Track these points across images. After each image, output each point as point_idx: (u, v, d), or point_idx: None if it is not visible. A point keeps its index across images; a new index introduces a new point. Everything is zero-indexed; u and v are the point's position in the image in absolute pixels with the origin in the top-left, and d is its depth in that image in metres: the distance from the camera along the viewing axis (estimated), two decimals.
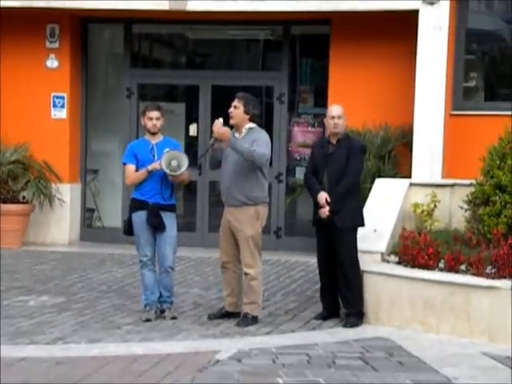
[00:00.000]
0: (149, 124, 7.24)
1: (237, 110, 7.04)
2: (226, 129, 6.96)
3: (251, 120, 7.06)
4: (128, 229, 7.28)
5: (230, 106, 7.09)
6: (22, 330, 6.77)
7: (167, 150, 7.09)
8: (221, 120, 7.02)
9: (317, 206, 7.13)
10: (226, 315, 7.20)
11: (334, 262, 7.14)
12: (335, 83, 10.89)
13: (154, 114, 7.22)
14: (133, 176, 7.22)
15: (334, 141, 7.23)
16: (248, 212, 7.00)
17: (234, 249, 7.11)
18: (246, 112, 7.03)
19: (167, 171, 7.04)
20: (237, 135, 7.09)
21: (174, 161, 7.04)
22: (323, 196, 7.03)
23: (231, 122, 7.09)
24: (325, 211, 7.02)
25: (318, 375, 5.58)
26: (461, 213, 7.96)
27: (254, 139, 6.96)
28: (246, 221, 6.99)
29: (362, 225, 7.21)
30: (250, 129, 7.06)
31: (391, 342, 6.56)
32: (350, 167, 7.06)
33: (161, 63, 13.08)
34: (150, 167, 7.10)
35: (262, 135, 7.08)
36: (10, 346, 6.23)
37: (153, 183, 7.15)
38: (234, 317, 7.14)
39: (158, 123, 7.24)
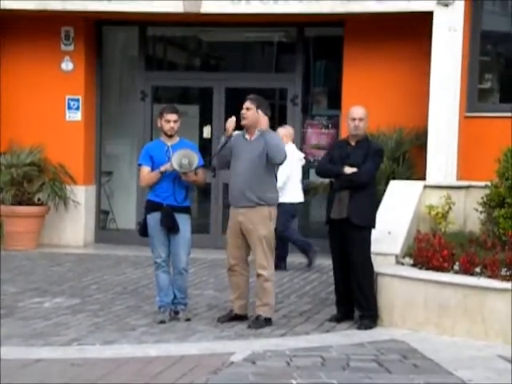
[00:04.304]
0: (166, 126, 7.24)
1: (249, 111, 7.01)
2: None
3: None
4: (143, 230, 7.31)
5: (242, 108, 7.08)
6: (37, 331, 6.79)
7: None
8: (234, 118, 7.02)
9: (331, 204, 7.13)
10: (235, 318, 7.18)
11: (348, 265, 7.13)
12: (349, 85, 10.88)
13: (172, 116, 7.23)
14: (147, 177, 7.24)
15: (353, 142, 7.22)
16: (262, 212, 6.98)
17: (241, 251, 7.11)
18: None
19: (179, 170, 7.04)
20: (247, 137, 7.08)
21: (184, 159, 7.03)
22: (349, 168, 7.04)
23: (244, 122, 7.06)
24: (349, 168, 7.00)
25: (332, 377, 5.57)
26: (476, 215, 7.92)
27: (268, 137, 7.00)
28: (260, 221, 6.97)
29: (373, 226, 7.18)
30: (262, 131, 7.03)
31: (405, 344, 6.54)
32: (363, 168, 7.04)
33: (175, 66, 13.11)
34: (162, 168, 7.11)
35: (275, 134, 7.07)
36: (25, 348, 6.26)
37: (167, 185, 7.15)
38: (245, 319, 7.13)
39: (176, 126, 7.24)
